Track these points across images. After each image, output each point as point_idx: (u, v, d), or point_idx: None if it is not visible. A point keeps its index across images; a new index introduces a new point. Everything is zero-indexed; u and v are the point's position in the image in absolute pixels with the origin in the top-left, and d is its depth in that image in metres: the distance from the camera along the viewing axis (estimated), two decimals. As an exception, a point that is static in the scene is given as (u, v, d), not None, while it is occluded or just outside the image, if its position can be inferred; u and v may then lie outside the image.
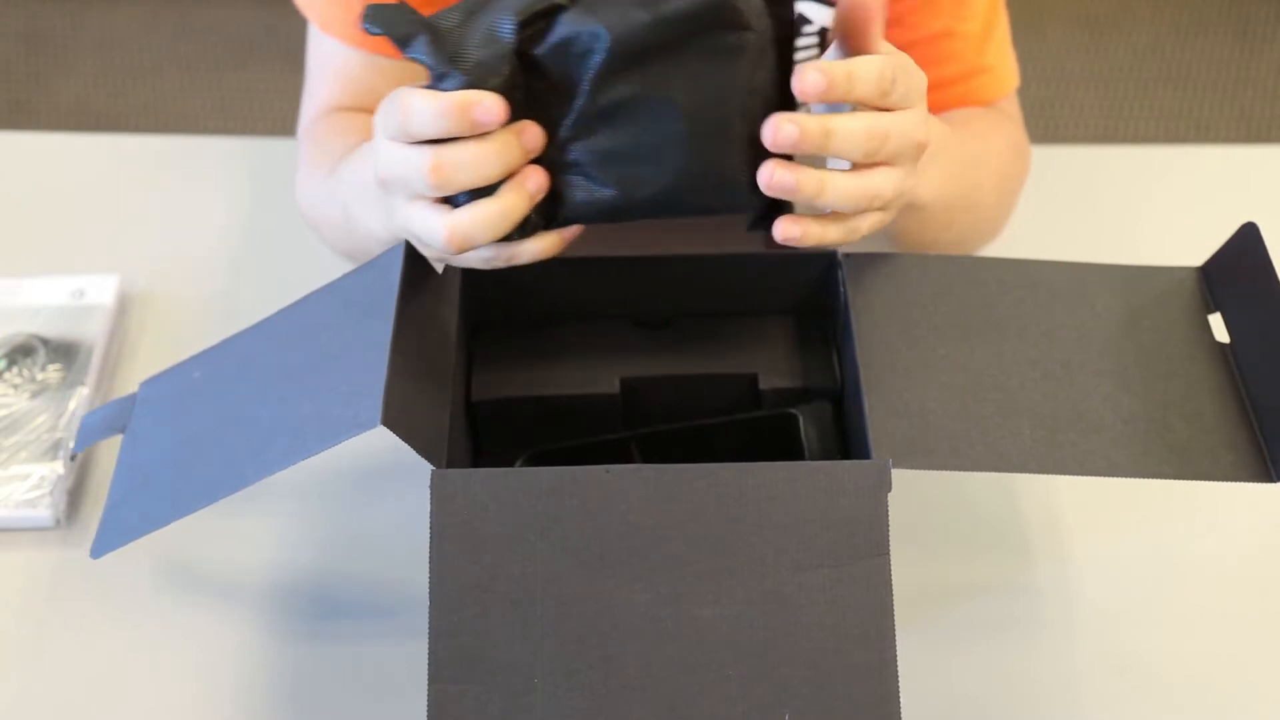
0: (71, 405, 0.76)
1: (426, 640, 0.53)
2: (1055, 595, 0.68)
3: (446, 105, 0.51)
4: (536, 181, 0.54)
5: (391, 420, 0.53)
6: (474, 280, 0.66)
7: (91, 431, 0.70)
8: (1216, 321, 0.63)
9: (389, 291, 0.59)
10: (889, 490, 0.53)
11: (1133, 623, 0.68)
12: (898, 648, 0.52)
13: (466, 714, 0.52)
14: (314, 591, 0.69)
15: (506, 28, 0.52)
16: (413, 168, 0.54)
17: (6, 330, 0.80)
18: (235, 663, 0.66)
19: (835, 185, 0.56)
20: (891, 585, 0.53)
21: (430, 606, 0.53)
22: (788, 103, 0.54)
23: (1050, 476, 0.72)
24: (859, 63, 0.54)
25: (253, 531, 0.72)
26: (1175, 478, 0.58)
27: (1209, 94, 2.04)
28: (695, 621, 0.52)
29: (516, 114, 0.53)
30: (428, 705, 0.52)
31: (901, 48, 0.77)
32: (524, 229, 0.56)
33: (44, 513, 0.71)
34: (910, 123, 0.56)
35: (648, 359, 0.67)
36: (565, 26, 0.52)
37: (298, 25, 0.84)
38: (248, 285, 0.85)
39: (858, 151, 0.55)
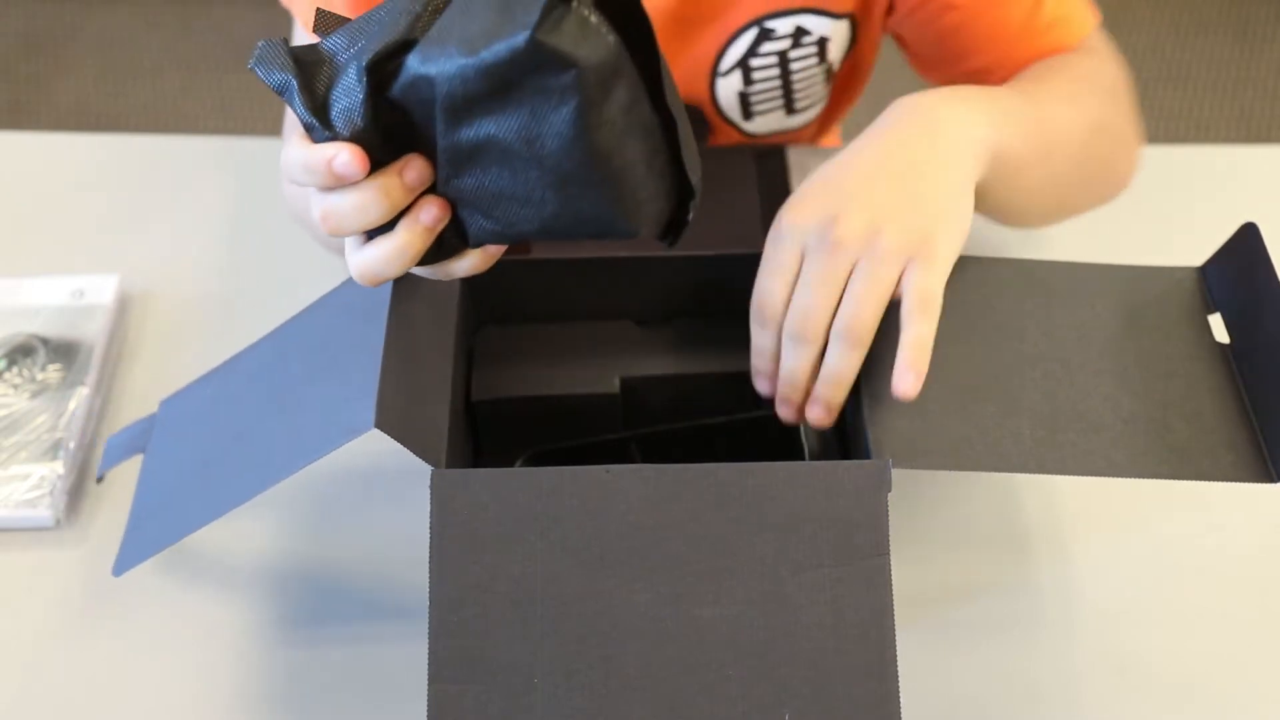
0: (71, 405, 0.76)
1: (426, 640, 0.53)
2: (1055, 595, 0.68)
3: (310, 160, 0.51)
4: (431, 214, 0.53)
5: (386, 423, 0.53)
6: (474, 281, 0.66)
7: (115, 453, 0.71)
8: (1216, 321, 0.63)
9: (383, 295, 0.59)
10: (889, 490, 0.53)
11: (1133, 623, 0.68)
12: (898, 648, 0.52)
13: (466, 714, 0.52)
14: (314, 592, 0.69)
15: (353, 78, 0.50)
16: (311, 215, 0.54)
17: (6, 330, 0.80)
18: (235, 663, 0.66)
19: (837, 373, 0.58)
20: (891, 585, 0.53)
21: (430, 606, 0.53)
22: (666, 120, 0.51)
23: (1050, 476, 0.72)
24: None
25: (253, 532, 0.72)
26: (1175, 478, 0.58)
27: (1209, 94, 2.04)
28: (695, 621, 0.52)
29: (401, 149, 0.52)
30: (428, 705, 0.52)
31: (954, 29, 0.77)
32: (441, 250, 0.55)
33: (44, 513, 0.71)
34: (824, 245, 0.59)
35: (648, 359, 0.67)
36: (408, 70, 0.49)
37: (298, 25, 0.84)
38: (248, 285, 0.85)
39: (820, 321, 0.58)
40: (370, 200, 0.52)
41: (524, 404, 0.66)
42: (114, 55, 2.13)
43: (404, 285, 0.59)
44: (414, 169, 0.52)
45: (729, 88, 0.83)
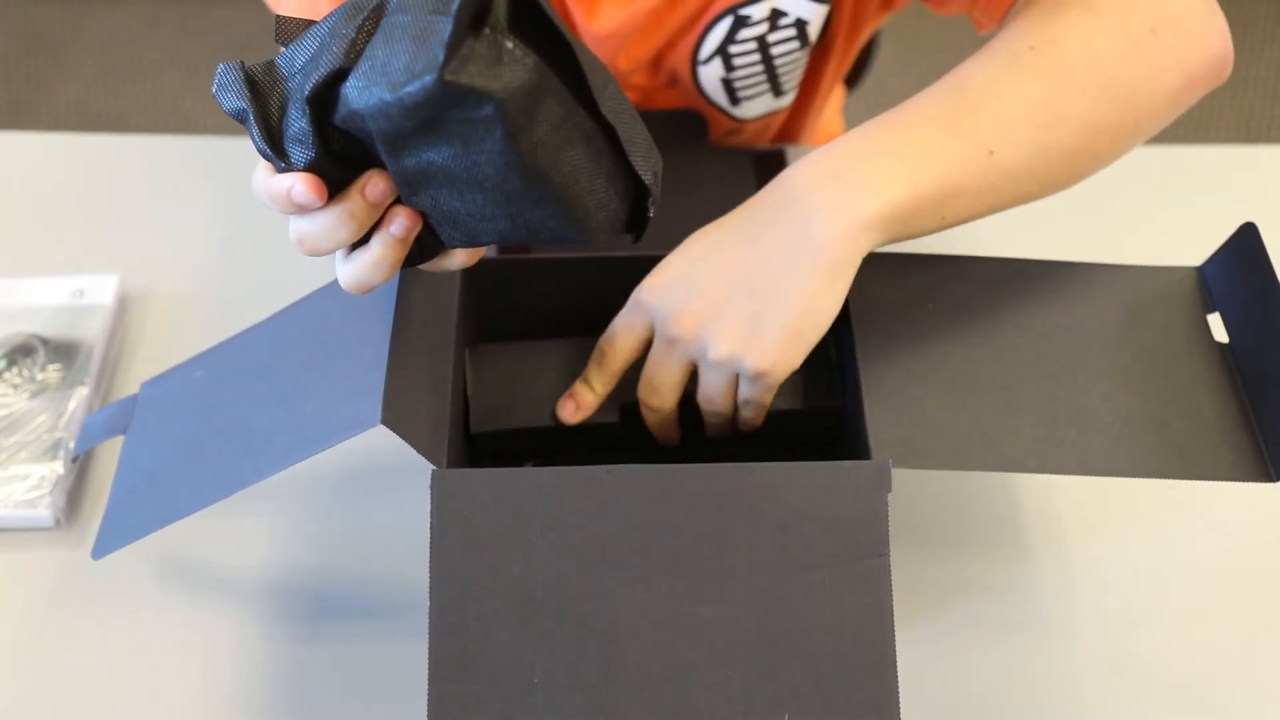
0: (71, 405, 0.76)
1: (426, 640, 0.53)
2: (1055, 595, 0.68)
3: (270, 191, 0.52)
4: (402, 226, 0.53)
5: (391, 420, 0.53)
6: (474, 279, 0.66)
7: (93, 433, 0.70)
8: (1215, 321, 0.63)
9: (389, 291, 0.59)
10: (889, 491, 0.53)
11: (1133, 623, 0.68)
12: (897, 648, 0.52)
13: (466, 714, 0.52)
14: (314, 592, 0.69)
15: (297, 109, 0.49)
16: (290, 236, 0.55)
17: (6, 330, 0.80)
18: (235, 663, 0.66)
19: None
20: (891, 585, 0.53)
21: (430, 606, 0.53)
22: (605, 124, 0.50)
23: (1050, 476, 0.73)
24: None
25: (253, 532, 0.72)
26: (1175, 477, 0.58)
27: (1209, 94, 2.04)
28: (695, 621, 0.52)
29: (362, 165, 0.52)
30: (428, 706, 0.52)
31: None
32: (423, 253, 0.55)
33: (44, 513, 0.72)
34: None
35: None
36: (344, 102, 0.48)
37: (298, 25, 0.84)
38: (248, 285, 0.85)
39: (666, 395, 0.64)
40: (337, 223, 0.52)
41: (523, 435, 0.66)
42: (114, 55, 2.13)
43: (410, 283, 0.59)
44: (375, 185, 0.52)
45: (711, 75, 0.84)
